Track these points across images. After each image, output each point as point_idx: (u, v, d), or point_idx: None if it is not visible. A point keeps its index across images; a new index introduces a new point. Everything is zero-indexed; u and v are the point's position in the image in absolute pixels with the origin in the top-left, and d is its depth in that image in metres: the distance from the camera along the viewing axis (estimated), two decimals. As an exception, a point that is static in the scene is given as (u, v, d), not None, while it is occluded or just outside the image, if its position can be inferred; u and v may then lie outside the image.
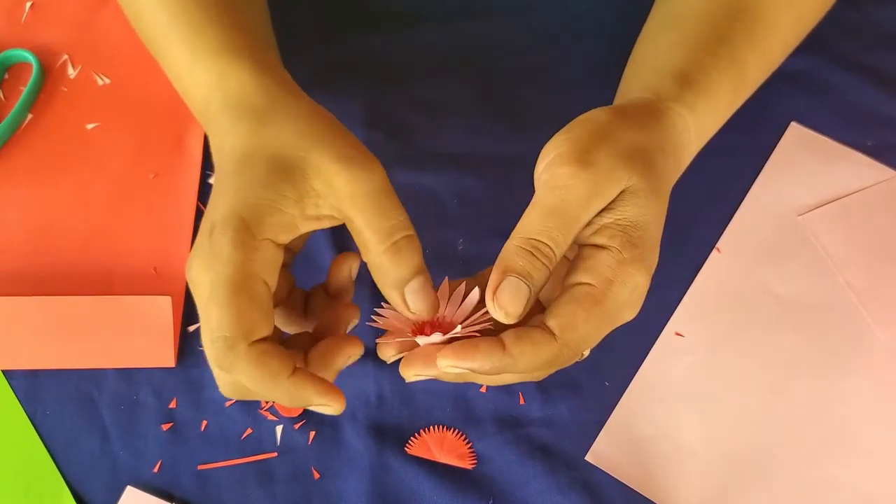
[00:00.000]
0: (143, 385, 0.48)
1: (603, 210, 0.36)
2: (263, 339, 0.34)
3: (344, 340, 0.38)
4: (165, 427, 0.47)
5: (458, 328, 0.36)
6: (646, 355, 0.49)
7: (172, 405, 0.48)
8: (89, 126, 0.56)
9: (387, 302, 0.37)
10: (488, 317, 0.36)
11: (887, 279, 0.50)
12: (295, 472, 0.46)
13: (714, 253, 0.51)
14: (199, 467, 0.47)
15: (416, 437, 0.47)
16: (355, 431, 0.47)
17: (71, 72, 0.57)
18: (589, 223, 0.36)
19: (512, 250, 0.35)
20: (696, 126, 0.41)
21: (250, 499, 0.46)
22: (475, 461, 0.46)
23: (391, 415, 0.47)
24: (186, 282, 0.51)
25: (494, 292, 0.35)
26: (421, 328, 0.37)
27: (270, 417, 0.47)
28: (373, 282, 0.37)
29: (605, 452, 0.46)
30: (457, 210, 0.53)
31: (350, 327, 0.40)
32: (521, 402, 0.48)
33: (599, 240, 0.36)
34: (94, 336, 0.49)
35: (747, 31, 0.43)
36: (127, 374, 0.49)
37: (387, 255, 0.35)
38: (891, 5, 0.58)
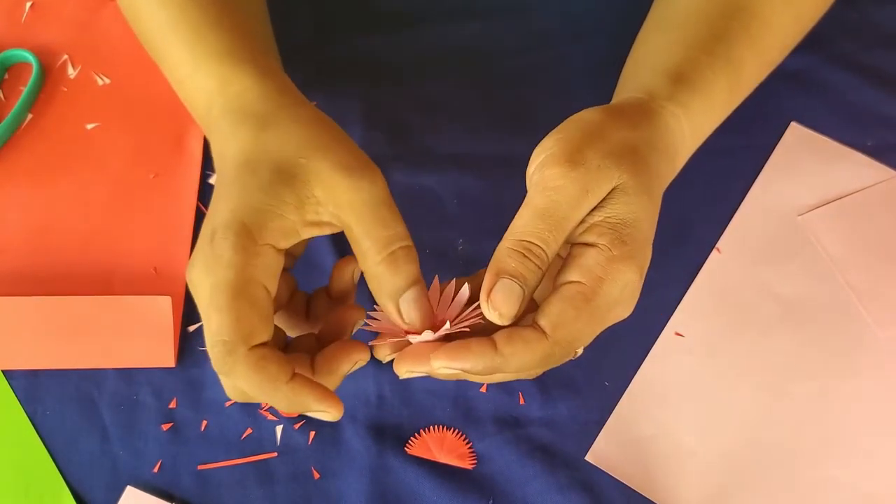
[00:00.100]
0: (143, 385, 0.48)
1: (594, 208, 0.36)
2: (263, 344, 0.34)
3: (350, 346, 0.38)
4: (165, 427, 0.47)
5: (447, 325, 0.36)
6: (646, 355, 0.49)
7: (172, 405, 0.48)
8: (89, 126, 0.56)
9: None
10: (478, 312, 0.36)
11: (887, 279, 0.50)
12: (295, 472, 0.46)
13: (714, 253, 0.51)
14: (200, 467, 0.47)
15: (416, 437, 0.47)
16: (355, 431, 0.47)
17: (71, 72, 0.57)
18: (580, 221, 0.36)
19: (504, 252, 0.35)
20: (691, 125, 0.41)
21: (250, 499, 0.46)
22: (475, 461, 0.46)
23: (391, 415, 0.47)
24: (186, 282, 0.51)
25: (488, 294, 0.35)
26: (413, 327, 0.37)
27: (270, 417, 0.47)
28: None
29: (604, 452, 0.46)
30: (457, 210, 0.53)
31: (355, 329, 0.40)
32: (521, 402, 0.48)
33: (589, 238, 0.36)
34: (95, 336, 0.49)
35: (744, 29, 0.43)
36: (127, 374, 0.49)
37: (384, 265, 0.36)
38: (891, 5, 0.58)
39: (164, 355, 0.48)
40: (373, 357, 0.39)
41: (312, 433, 0.47)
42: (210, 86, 0.40)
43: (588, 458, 0.46)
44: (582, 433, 0.47)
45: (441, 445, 0.47)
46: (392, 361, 0.38)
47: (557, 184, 0.35)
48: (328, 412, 0.35)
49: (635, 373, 0.48)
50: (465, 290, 0.37)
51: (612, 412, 0.47)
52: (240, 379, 0.34)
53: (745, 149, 0.54)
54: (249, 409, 0.48)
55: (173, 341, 0.49)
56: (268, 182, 0.35)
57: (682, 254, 0.51)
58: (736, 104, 0.45)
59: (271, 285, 0.35)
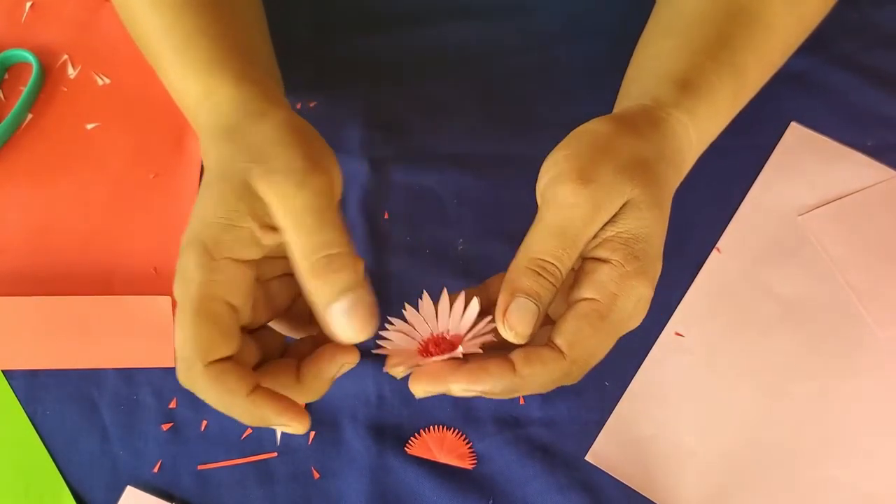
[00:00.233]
0: (143, 385, 0.48)
1: (606, 223, 0.36)
2: (225, 359, 0.34)
3: (337, 349, 0.37)
4: (165, 427, 0.47)
5: (461, 348, 0.36)
6: (646, 355, 0.49)
7: (172, 405, 0.48)
8: (89, 126, 0.56)
9: (391, 322, 0.37)
10: (491, 328, 0.36)
11: (887, 279, 0.50)
12: (295, 472, 0.46)
13: (714, 253, 0.51)
14: (199, 467, 0.47)
15: (416, 437, 0.47)
16: (355, 431, 0.47)
17: (71, 72, 0.57)
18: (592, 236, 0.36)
19: (519, 271, 0.35)
20: (697, 132, 0.41)
21: (250, 499, 0.46)
22: (475, 461, 0.46)
23: (391, 415, 0.47)
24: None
25: (504, 313, 0.35)
26: (426, 346, 0.37)
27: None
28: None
29: (604, 452, 0.46)
30: (457, 210, 0.53)
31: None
32: (521, 402, 0.48)
33: (602, 253, 0.36)
34: (94, 336, 0.49)
35: (748, 34, 0.43)
36: (127, 374, 0.49)
37: (309, 275, 0.35)
38: (891, 5, 0.58)
39: (163, 355, 0.48)
40: (373, 357, 0.39)
41: (312, 433, 0.47)
42: (196, 94, 0.41)
43: (588, 458, 0.46)
44: (582, 433, 0.47)
45: (441, 445, 0.47)
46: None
47: (570, 201, 0.35)
48: (290, 425, 0.35)
49: (635, 373, 0.48)
50: (475, 304, 0.37)
51: (612, 412, 0.47)
52: (200, 393, 0.34)
53: (745, 149, 0.54)
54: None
55: (173, 341, 0.49)
56: (222, 195, 0.35)
57: (682, 254, 0.51)
58: (740, 108, 0.45)
59: (237, 298, 0.35)
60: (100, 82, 0.57)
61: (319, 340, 0.38)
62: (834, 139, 0.54)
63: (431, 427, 0.47)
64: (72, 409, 0.48)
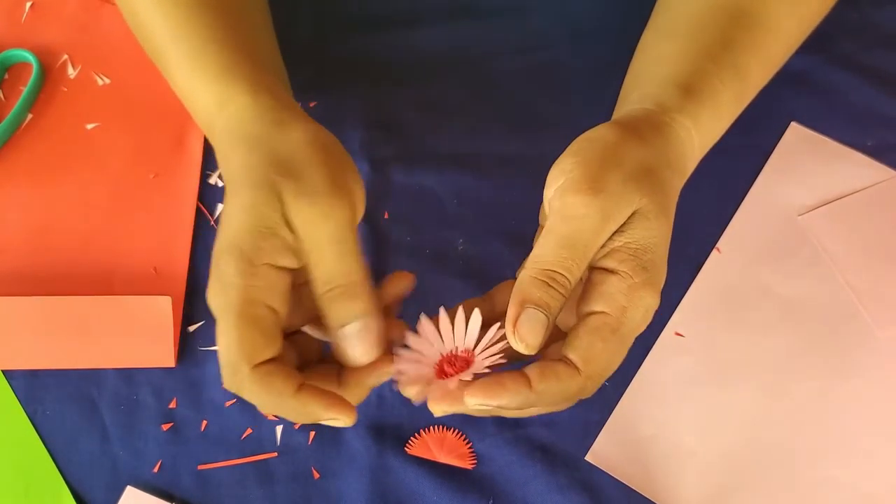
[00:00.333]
0: (143, 385, 0.48)
1: (614, 232, 0.36)
2: (270, 360, 0.35)
3: (379, 358, 0.38)
4: (165, 427, 0.47)
5: (472, 369, 0.36)
6: (646, 355, 0.49)
7: (172, 405, 0.48)
8: (89, 126, 0.56)
9: (404, 346, 0.38)
10: (500, 334, 0.36)
11: (887, 279, 0.50)
12: (295, 471, 0.46)
13: (714, 253, 0.51)
14: (200, 467, 0.47)
15: (416, 437, 0.47)
16: (355, 431, 0.47)
17: (71, 72, 0.57)
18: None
19: (529, 282, 0.35)
20: (700, 136, 0.41)
21: (250, 499, 0.46)
22: (475, 461, 0.47)
23: (391, 415, 0.47)
24: (186, 282, 0.51)
25: (514, 325, 0.35)
26: (441, 367, 0.37)
27: (271, 417, 0.47)
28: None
29: (604, 452, 0.46)
30: (457, 210, 0.53)
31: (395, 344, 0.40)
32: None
33: (610, 263, 0.36)
34: (95, 336, 0.49)
35: (749, 36, 0.43)
36: (127, 375, 0.49)
37: (324, 300, 0.36)
38: (890, 5, 0.58)
39: (164, 355, 0.48)
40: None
41: (312, 433, 0.47)
42: (209, 103, 0.41)
43: (588, 458, 0.46)
44: (582, 433, 0.47)
45: (441, 445, 0.47)
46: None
47: (580, 212, 0.35)
48: (339, 419, 0.35)
49: (635, 373, 0.48)
50: (477, 316, 0.37)
51: (612, 412, 0.47)
52: (247, 395, 0.35)
53: (745, 149, 0.54)
54: (249, 409, 0.48)
55: (173, 341, 0.49)
56: (256, 203, 0.36)
57: (682, 254, 0.51)
58: (741, 110, 0.45)
59: (277, 302, 0.35)
60: (100, 82, 0.57)
61: None
62: (834, 139, 0.54)
63: (431, 427, 0.47)
64: (72, 409, 0.48)
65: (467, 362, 0.37)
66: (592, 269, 0.37)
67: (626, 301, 0.35)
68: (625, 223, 0.36)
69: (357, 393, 0.37)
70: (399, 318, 0.40)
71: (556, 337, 0.38)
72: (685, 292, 0.50)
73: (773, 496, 0.45)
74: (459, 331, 0.37)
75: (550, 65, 0.57)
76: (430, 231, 0.52)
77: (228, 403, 0.48)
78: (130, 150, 0.55)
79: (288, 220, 0.36)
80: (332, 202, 0.36)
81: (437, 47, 0.58)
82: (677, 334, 0.49)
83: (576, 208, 0.35)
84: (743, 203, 0.53)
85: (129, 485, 0.46)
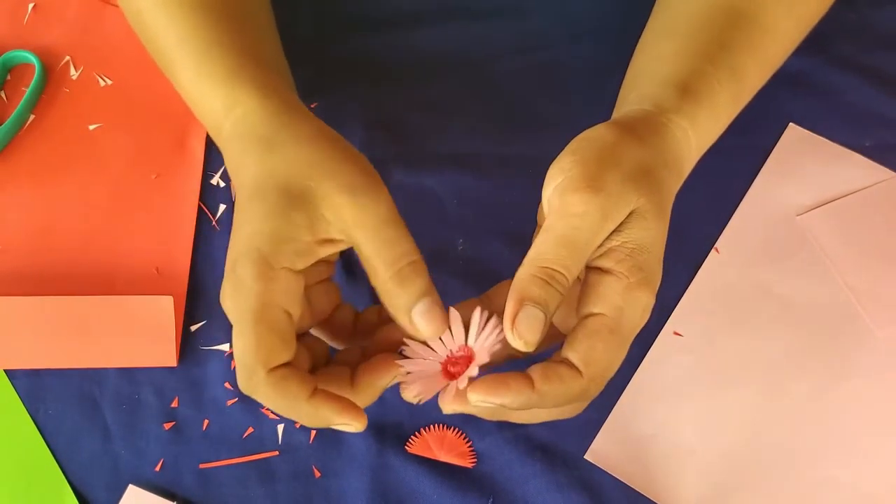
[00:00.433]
0: (144, 384, 0.49)
1: (611, 232, 0.36)
2: (285, 365, 0.35)
3: (391, 360, 0.38)
4: (167, 426, 0.48)
5: (480, 357, 0.36)
6: (644, 355, 0.49)
7: (174, 404, 0.48)
8: (91, 127, 0.56)
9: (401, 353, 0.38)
10: (498, 330, 0.36)
11: (885, 279, 0.50)
12: (296, 470, 0.46)
13: (713, 253, 0.52)
14: (201, 466, 0.47)
15: (416, 436, 0.47)
16: (356, 430, 0.47)
17: (73, 73, 0.58)
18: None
19: (527, 279, 0.35)
20: (697, 137, 0.41)
21: (252, 497, 0.46)
22: (475, 460, 0.47)
23: (392, 414, 0.48)
24: (188, 282, 0.51)
25: (513, 322, 0.35)
26: (445, 368, 0.37)
27: (272, 416, 0.48)
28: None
29: (604, 451, 0.47)
30: (457, 210, 0.53)
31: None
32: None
33: (606, 263, 0.36)
34: (96, 336, 0.49)
35: (746, 37, 0.43)
36: (128, 374, 0.49)
37: (392, 282, 0.36)
38: (889, 6, 0.58)
39: (165, 355, 0.49)
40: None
41: (314, 432, 0.47)
42: (216, 107, 0.41)
43: (587, 456, 0.47)
44: (581, 432, 0.47)
45: (441, 444, 0.47)
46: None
47: (579, 210, 0.35)
48: (350, 424, 0.36)
49: (634, 372, 0.48)
50: (478, 313, 0.37)
51: (611, 411, 0.48)
52: (262, 399, 0.35)
53: (743, 149, 0.54)
54: (251, 409, 0.48)
55: (175, 341, 0.49)
56: (278, 206, 0.36)
57: (680, 254, 0.51)
58: (739, 111, 0.45)
59: (292, 307, 0.36)
60: (102, 83, 0.57)
61: (369, 352, 0.39)
62: (832, 140, 0.54)
63: (432, 426, 0.47)
64: (74, 408, 0.48)
65: (469, 358, 0.37)
66: (589, 268, 0.37)
67: (622, 301, 0.35)
68: (622, 223, 0.36)
69: (369, 394, 0.38)
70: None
71: (555, 337, 0.38)
72: (684, 292, 0.50)
73: (773, 496, 0.46)
74: (457, 331, 0.38)
75: (550, 65, 0.57)
76: (430, 231, 0.52)
77: (230, 403, 0.48)
78: (132, 151, 0.55)
79: (314, 219, 0.36)
80: (374, 188, 0.37)
81: (437, 47, 0.58)
82: (676, 334, 0.49)
83: (575, 206, 0.35)
84: (741, 203, 0.53)
85: (131, 483, 0.46)
